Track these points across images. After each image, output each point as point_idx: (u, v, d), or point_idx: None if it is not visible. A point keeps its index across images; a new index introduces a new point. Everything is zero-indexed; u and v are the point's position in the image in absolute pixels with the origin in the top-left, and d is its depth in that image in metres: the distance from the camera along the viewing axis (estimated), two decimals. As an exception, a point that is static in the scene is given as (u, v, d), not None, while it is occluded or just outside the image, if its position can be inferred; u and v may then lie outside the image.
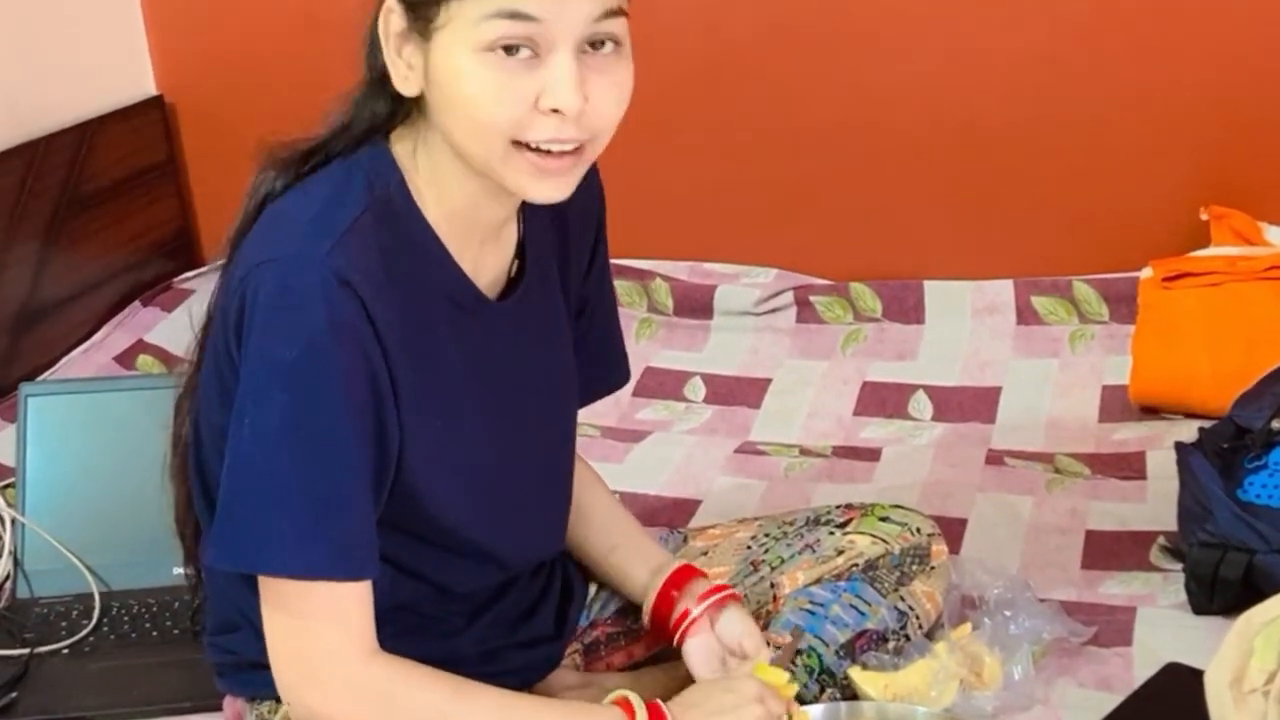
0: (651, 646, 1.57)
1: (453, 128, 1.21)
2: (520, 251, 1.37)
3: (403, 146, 1.28)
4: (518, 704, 1.29)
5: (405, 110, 1.27)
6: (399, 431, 1.24)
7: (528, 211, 1.35)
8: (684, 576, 1.49)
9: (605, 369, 1.58)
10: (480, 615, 1.42)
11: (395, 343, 1.22)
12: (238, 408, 1.19)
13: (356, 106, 1.28)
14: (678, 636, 1.47)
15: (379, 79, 1.26)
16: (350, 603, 1.21)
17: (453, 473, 1.31)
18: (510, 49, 1.15)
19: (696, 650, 1.46)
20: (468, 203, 1.27)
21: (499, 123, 1.18)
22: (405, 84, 1.22)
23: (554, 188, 1.22)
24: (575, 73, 1.16)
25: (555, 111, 1.17)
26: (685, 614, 1.46)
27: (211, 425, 1.26)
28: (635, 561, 1.53)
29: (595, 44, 1.18)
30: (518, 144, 1.19)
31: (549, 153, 1.19)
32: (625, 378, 1.61)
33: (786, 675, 1.39)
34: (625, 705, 1.30)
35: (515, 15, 1.14)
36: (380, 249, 1.21)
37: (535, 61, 1.16)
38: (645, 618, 1.50)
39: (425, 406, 1.26)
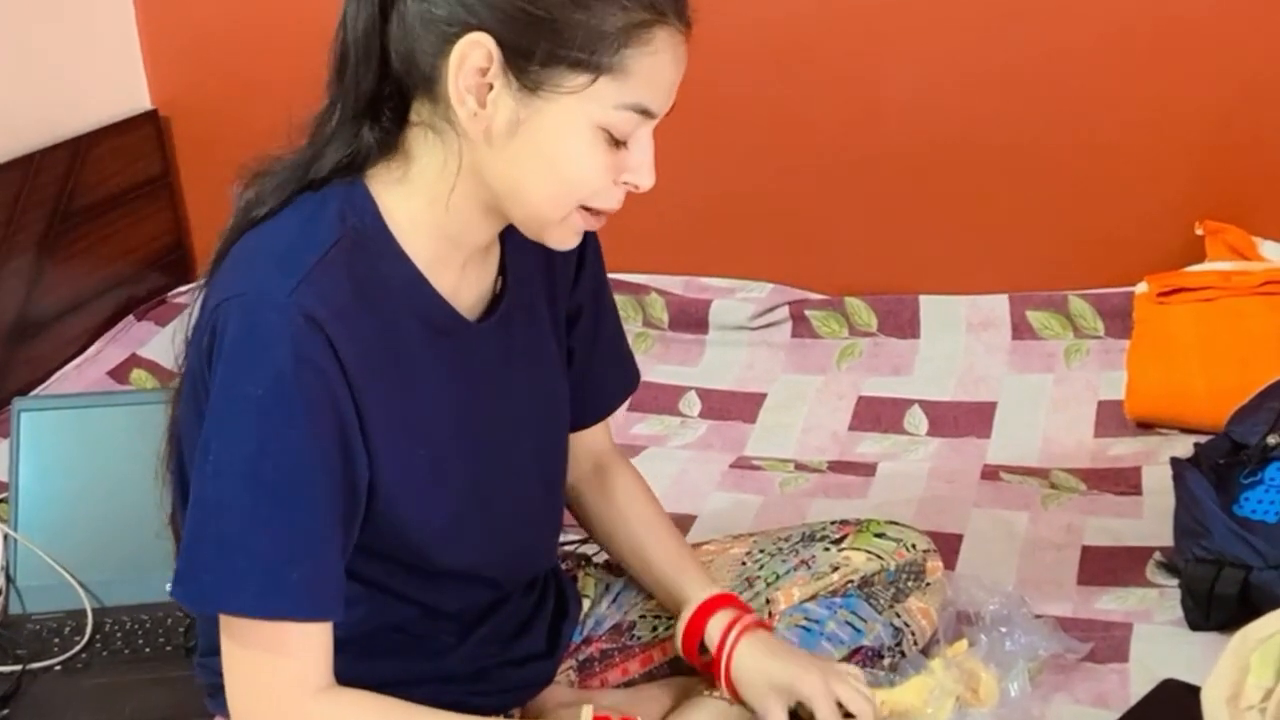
0: (647, 663, 1.57)
1: (527, 180, 1.22)
2: (503, 270, 1.37)
3: (382, 174, 1.25)
4: None
5: (390, 141, 1.24)
6: (369, 467, 1.23)
7: (509, 229, 1.34)
8: (707, 614, 1.47)
9: (623, 371, 1.58)
10: (471, 633, 1.41)
11: (366, 375, 1.20)
12: (202, 443, 1.18)
13: (335, 135, 1.24)
14: (724, 683, 1.45)
15: (366, 106, 1.22)
16: (306, 640, 1.20)
17: (437, 496, 1.30)
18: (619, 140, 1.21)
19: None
20: (460, 229, 1.27)
21: (583, 191, 1.23)
22: (472, 122, 1.19)
23: (579, 238, 1.29)
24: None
25: (627, 184, 1.24)
26: (718, 653, 1.45)
27: (191, 444, 1.25)
28: (670, 599, 1.53)
29: None
30: (582, 207, 1.24)
31: (599, 213, 1.26)
32: (639, 376, 1.61)
33: None
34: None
35: (645, 113, 1.20)
36: (351, 280, 1.20)
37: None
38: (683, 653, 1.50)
39: (404, 434, 1.25)
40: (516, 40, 1.16)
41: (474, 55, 1.16)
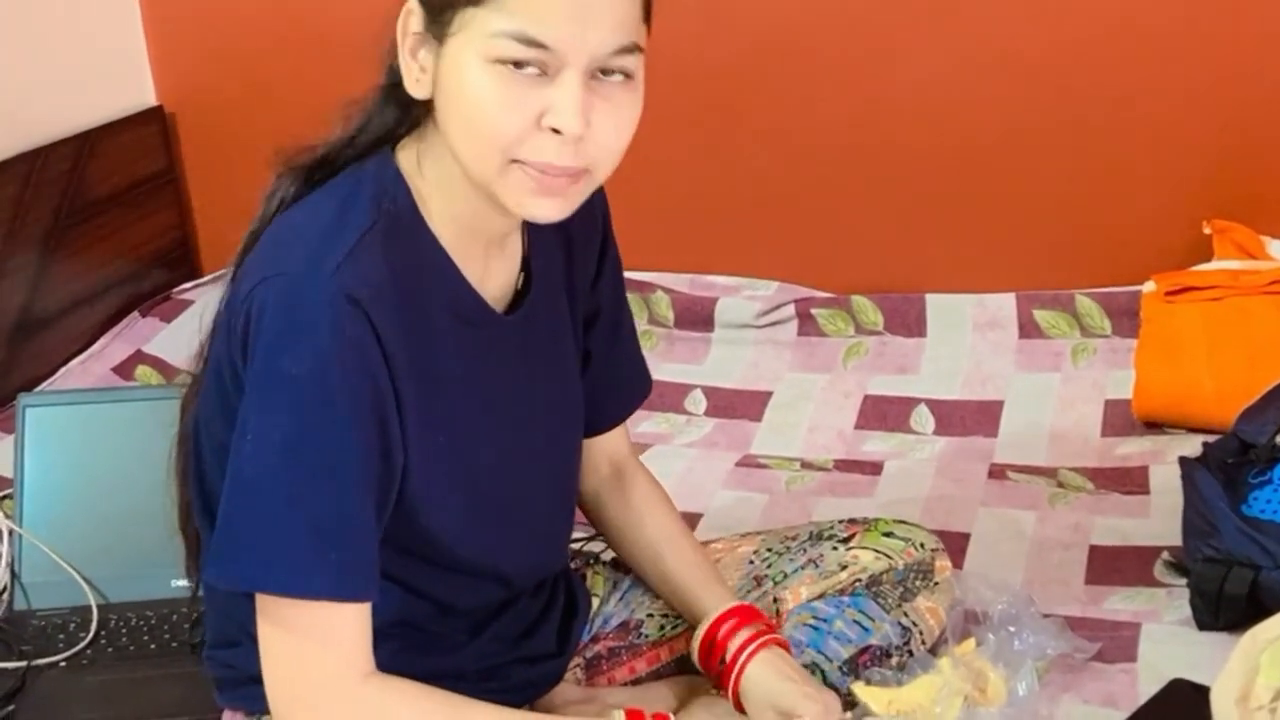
0: (654, 661, 1.56)
1: (455, 137, 1.20)
2: (526, 264, 1.36)
3: (408, 156, 1.27)
4: None
5: (413, 119, 1.27)
6: (404, 449, 1.23)
7: (532, 223, 1.33)
8: (723, 627, 1.46)
9: (638, 378, 1.58)
10: (482, 631, 1.41)
11: (401, 359, 1.21)
12: (240, 423, 1.18)
13: (370, 112, 1.28)
14: (731, 695, 1.43)
15: (394, 84, 1.25)
16: (348, 624, 1.20)
17: (455, 488, 1.30)
18: (519, 64, 1.15)
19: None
20: (471, 213, 1.26)
21: (499, 135, 1.16)
22: (417, 86, 1.21)
23: (553, 207, 1.21)
24: (581, 97, 1.15)
25: (555, 132, 1.16)
26: (730, 667, 1.43)
27: (213, 438, 1.25)
28: (687, 609, 1.51)
29: (606, 71, 1.18)
30: (516, 162, 1.18)
31: (542, 170, 1.18)
32: (651, 384, 1.60)
33: None
34: (636, 716, 1.29)
35: (529, 42, 1.14)
36: (388, 264, 1.20)
37: (543, 79, 1.16)
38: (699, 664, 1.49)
39: (429, 422, 1.25)
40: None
41: (409, 21, 1.20)
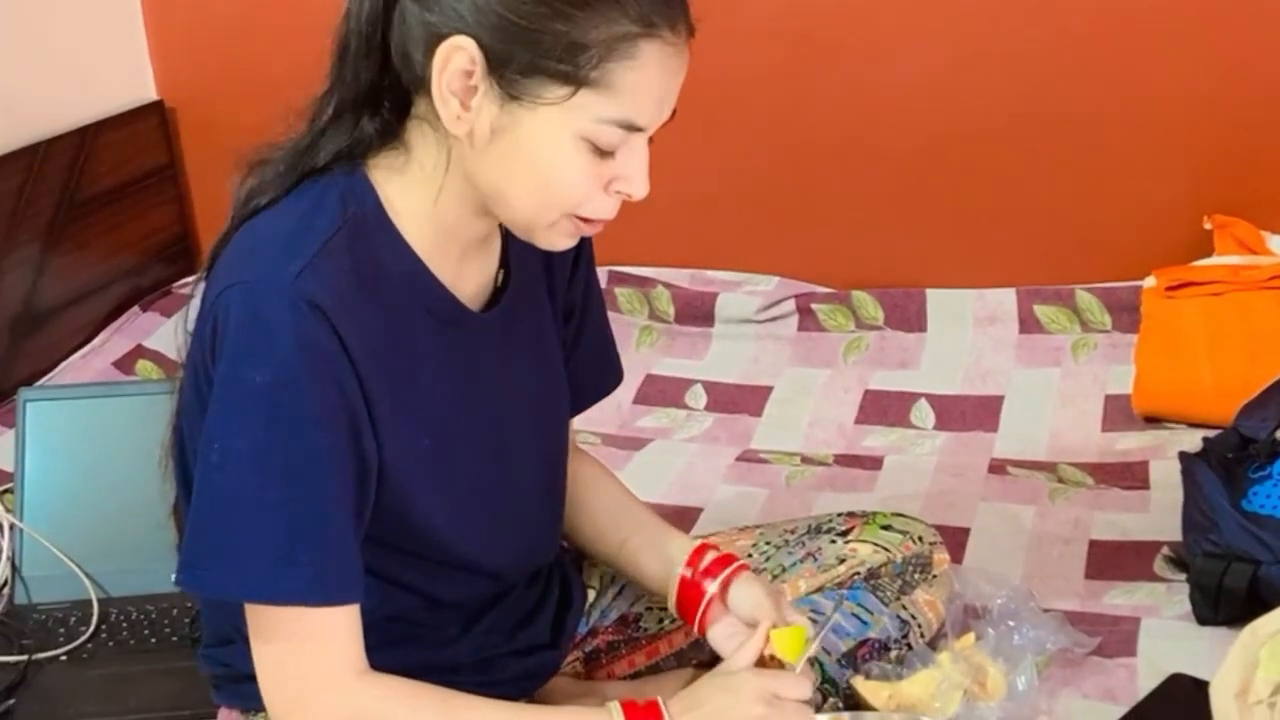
0: (653, 655, 1.56)
1: (506, 183, 1.21)
2: (505, 261, 1.37)
3: (383, 163, 1.25)
4: (507, 713, 1.28)
5: (391, 131, 1.24)
6: (378, 452, 1.23)
7: None
8: (699, 556, 1.46)
9: (601, 373, 1.57)
10: (475, 624, 1.41)
11: (371, 362, 1.20)
12: (207, 431, 1.18)
13: (333, 122, 1.24)
14: (698, 623, 1.44)
15: (366, 96, 1.23)
16: (336, 625, 1.20)
17: (440, 486, 1.30)
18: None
19: (720, 639, 1.42)
20: (454, 221, 1.27)
21: (571, 201, 1.21)
22: (455, 124, 1.18)
23: (574, 241, 1.28)
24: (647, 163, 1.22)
25: (619, 192, 1.22)
26: (701, 595, 1.43)
27: (195, 438, 1.25)
28: (647, 551, 1.50)
29: None
30: (573, 214, 1.23)
31: (592, 221, 1.24)
32: (620, 379, 1.60)
33: (806, 631, 1.36)
34: (628, 706, 1.30)
35: (631, 127, 1.18)
36: (355, 268, 1.20)
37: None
38: (671, 608, 1.47)
39: (409, 422, 1.25)
40: (498, 47, 1.15)
41: (456, 58, 1.16)
